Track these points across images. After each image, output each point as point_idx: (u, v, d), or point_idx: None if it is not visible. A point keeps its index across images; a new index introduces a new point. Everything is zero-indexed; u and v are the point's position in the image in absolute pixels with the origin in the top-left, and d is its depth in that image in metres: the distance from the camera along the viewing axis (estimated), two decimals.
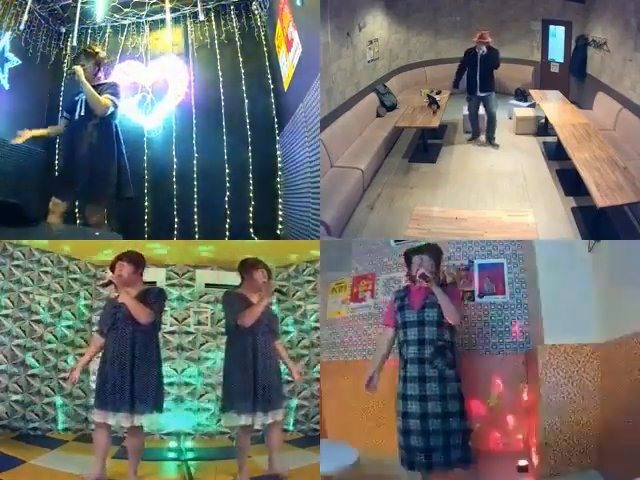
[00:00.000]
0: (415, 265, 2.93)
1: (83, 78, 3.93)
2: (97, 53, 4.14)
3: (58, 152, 4.15)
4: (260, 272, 3.09)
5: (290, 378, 3.28)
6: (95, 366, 2.99)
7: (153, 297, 2.89)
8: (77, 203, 4.88)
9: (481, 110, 6.02)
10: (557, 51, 7.61)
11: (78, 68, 3.96)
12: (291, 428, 4.45)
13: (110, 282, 2.88)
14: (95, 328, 3.45)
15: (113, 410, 2.74)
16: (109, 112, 3.97)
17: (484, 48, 5.66)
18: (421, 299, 2.90)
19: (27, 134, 4.10)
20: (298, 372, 3.24)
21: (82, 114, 4.00)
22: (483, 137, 6.09)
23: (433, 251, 2.98)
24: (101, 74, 4.14)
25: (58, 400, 4.20)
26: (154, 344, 2.90)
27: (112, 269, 2.91)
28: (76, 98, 4.07)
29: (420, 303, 2.89)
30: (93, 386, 3.25)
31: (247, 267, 3.12)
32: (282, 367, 3.20)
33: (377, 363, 3.03)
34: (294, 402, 4.49)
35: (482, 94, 5.83)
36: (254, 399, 2.91)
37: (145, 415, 2.79)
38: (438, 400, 2.75)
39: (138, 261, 2.94)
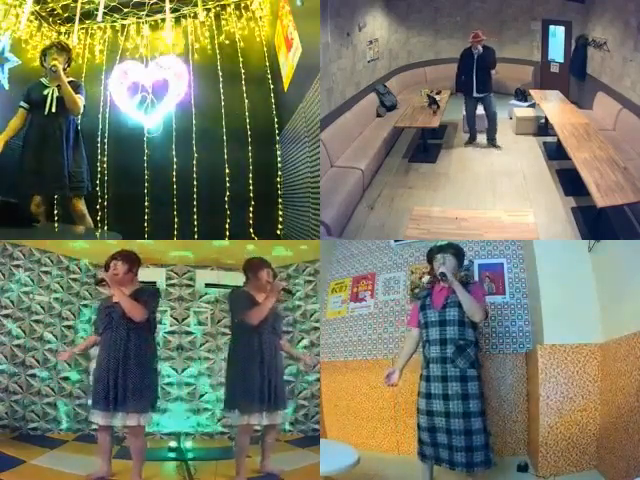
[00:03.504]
0: (437, 263, 2.94)
1: (64, 76, 3.86)
2: (71, 49, 4.05)
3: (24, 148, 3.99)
4: (265, 272, 3.11)
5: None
6: (94, 365, 3.02)
7: (147, 295, 2.86)
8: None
9: (480, 111, 6.00)
10: (557, 51, 7.62)
11: (59, 64, 3.85)
12: (289, 428, 4.44)
13: (103, 280, 2.85)
14: (92, 329, 3.44)
15: (108, 410, 2.72)
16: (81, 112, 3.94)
17: (480, 48, 5.65)
18: (443, 298, 2.90)
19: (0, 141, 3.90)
20: (310, 358, 3.41)
21: (54, 111, 3.89)
22: (482, 139, 6.07)
23: (456, 250, 2.98)
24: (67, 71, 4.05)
25: (58, 400, 4.20)
26: (149, 343, 2.88)
27: (106, 268, 2.89)
28: (44, 92, 3.92)
29: (442, 302, 2.89)
30: None
31: (252, 266, 3.15)
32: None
33: (401, 361, 3.03)
34: (294, 402, 4.49)
35: (479, 95, 5.77)
36: (260, 399, 2.92)
37: (141, 415, 2.76)
38: (460, 399, 2.74)
39: (133, 260, 2.91)
